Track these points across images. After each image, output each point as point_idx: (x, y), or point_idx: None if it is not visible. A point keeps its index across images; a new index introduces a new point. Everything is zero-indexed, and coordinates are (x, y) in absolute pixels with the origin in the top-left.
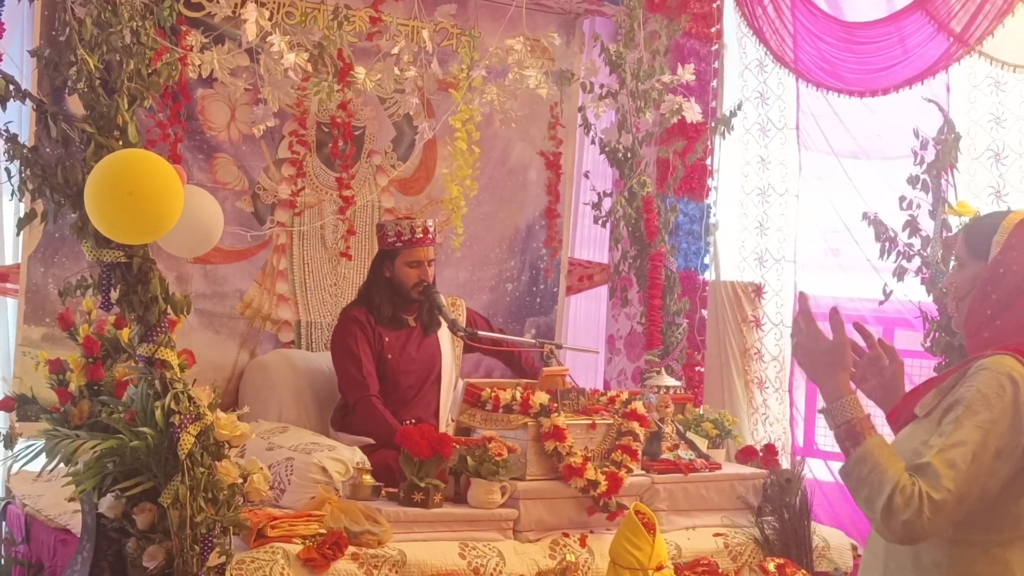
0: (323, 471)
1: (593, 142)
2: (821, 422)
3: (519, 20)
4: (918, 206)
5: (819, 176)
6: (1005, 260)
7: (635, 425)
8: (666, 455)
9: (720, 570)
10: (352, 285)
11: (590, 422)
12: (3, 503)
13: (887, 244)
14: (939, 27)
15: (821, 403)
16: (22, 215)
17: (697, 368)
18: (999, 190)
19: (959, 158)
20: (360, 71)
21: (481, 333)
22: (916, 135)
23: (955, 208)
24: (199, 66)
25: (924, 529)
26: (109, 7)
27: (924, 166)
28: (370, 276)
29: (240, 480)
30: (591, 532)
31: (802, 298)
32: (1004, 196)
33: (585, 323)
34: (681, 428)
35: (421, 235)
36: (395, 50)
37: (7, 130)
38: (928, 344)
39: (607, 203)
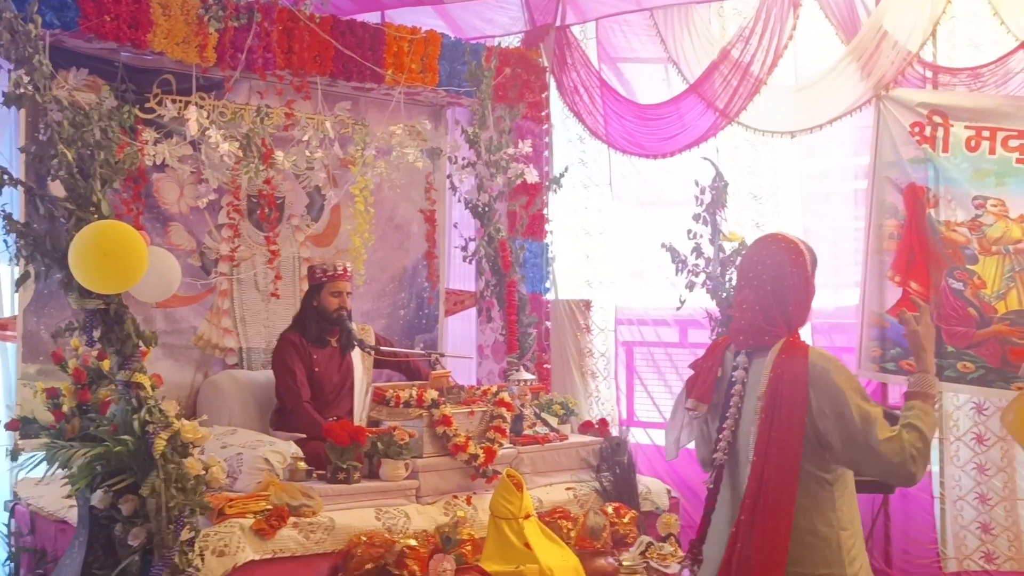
0: (266, 461)
1: (459, 200)
2: (639, 399)
3: (399, 111)
4: (701, 236)
5: (628, 218)
6: (781, 274)
7: (503, 410)
8: (527, 431)
9: (572, 515)
10: (280, 318)
11: (469, 410)
12: (12, 504)
13: (680, 265)
14: (707, 105)
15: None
16: (18, 276)
17: (545, 365)
18: (759, 222)
19: (728, 200)
20: (279, 154)
21: (383, 348)
22: (696, 184)
23: (727, 236)
24: (154, 155)
25: None
26: (82, 112)
27: (703, 207)
28: (302, 307)
29: (203, 472)
30: (475, 493)
31: (921, 307)
32: (762, 226)
33: (460, 337)
34: (537, 410)
35: (340, 272)
36: (305, 137)
37: (3, 210)
38: (713, 337)
39: (472, 246)
